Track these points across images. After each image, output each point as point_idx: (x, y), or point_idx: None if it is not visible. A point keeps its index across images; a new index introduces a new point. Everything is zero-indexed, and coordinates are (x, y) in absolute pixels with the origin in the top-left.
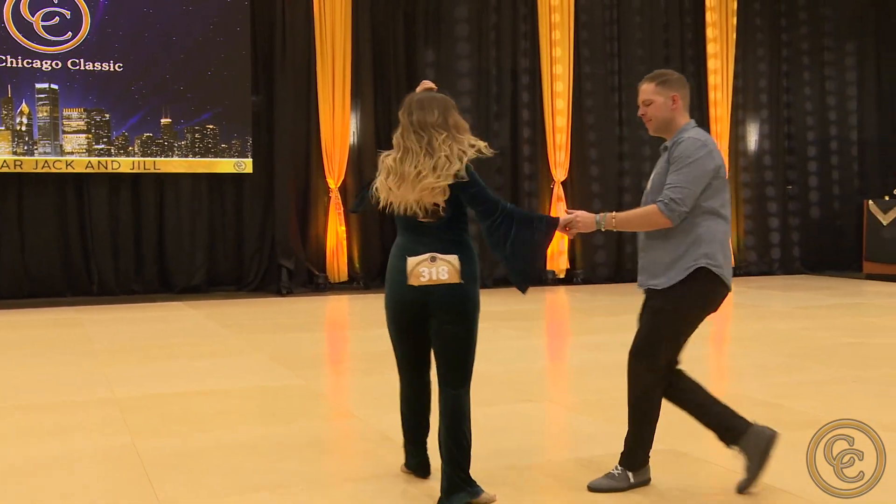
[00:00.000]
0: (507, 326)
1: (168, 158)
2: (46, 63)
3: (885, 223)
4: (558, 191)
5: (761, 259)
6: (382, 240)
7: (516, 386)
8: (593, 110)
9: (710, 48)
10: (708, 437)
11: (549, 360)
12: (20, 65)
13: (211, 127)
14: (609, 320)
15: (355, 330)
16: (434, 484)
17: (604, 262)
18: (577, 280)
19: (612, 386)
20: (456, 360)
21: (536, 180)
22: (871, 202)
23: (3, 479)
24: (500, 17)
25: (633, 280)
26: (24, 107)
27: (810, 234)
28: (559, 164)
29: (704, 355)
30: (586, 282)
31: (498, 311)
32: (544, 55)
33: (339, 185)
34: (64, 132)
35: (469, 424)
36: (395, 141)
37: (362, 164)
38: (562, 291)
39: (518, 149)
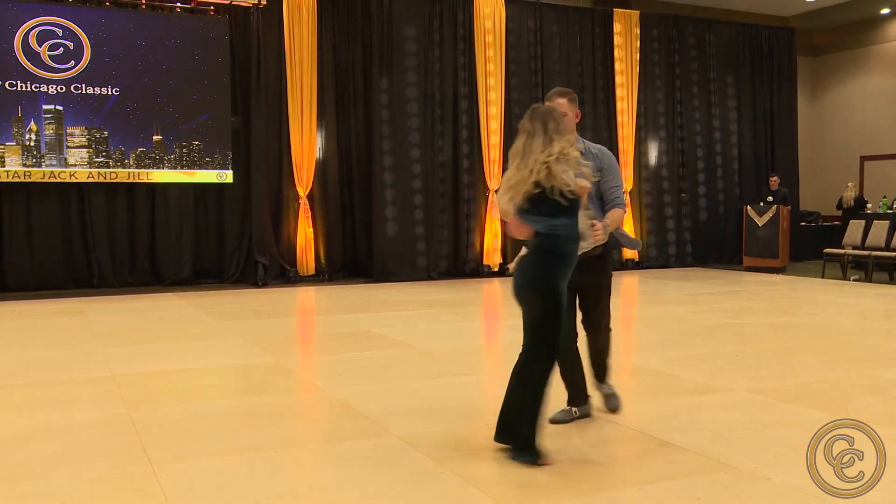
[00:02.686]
0: (448, 312)
1: (159, 170)
2: (52, 87)
3: (760, 224)
4: (492, 197)
5: (660, 254)
6: (344, 239)
7: (455, 361)
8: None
9: (618, 79)
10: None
11: (484, 339)
12: (29, 88)
13: (196, 143)
14: None
15: (321, 315)
16: (375, 444)
17: None
18: (509, 273)
19: None
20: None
21: (474, 188)
22: (748, 207)
23: (12, 444)
24: (443, 52)
25: None
26: (33, 125)
27: (700, 234)
28: (493, 174)
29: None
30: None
31: (441, 300)
32: (480, 83)
33: (307, 193)
34: (68, 147)
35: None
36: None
37: (326, 175)
38: (496, 282)
39: (458, 162)
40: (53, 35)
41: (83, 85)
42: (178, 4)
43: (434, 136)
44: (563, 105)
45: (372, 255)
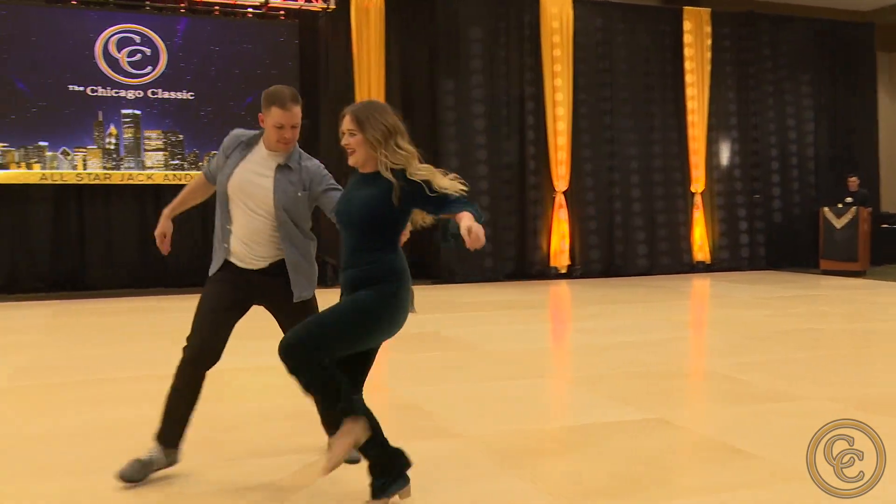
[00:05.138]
0: (515, 314)
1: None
2: (130, 92)
3: (838, 227)
4: (559, 199)
5: (732, 257)
6: (411, 240)
7: (524, 363)
8: (588, 130)
9: (688, 78)
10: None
11: (552, 342)
12: (109, 94)
13: None
14: (603, 308)
15: None
16: (442, 444)
17: (598, 259)
18: (576, 274)
19: (606, 364)
20: None
21: (540, 190)
22: (826, 209)
23: (62, 440)
24: (509, 53)
25: (623, 275)
26: (113, 129)
27: (774, 236)
28: (560, 176)
29: (681, 336)
30: (584, 276)
31: (508, 301)
32: (547, 84)
33: None
34: (145, 150)
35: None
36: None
37: None
38: (563, 284)
39: (525, 163)
40: (132, 42)
41: (160, 90)
42: (250, 10)
43: (500, 138)
44: (297, 116)
45: (438, 256)
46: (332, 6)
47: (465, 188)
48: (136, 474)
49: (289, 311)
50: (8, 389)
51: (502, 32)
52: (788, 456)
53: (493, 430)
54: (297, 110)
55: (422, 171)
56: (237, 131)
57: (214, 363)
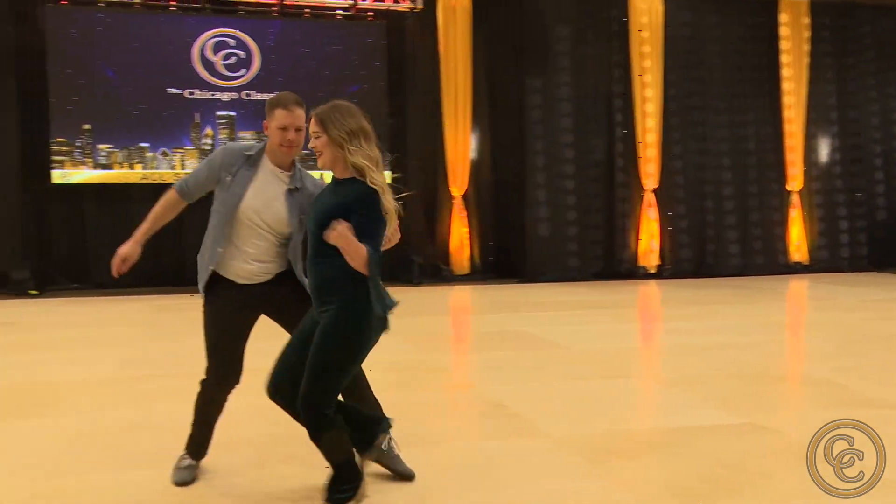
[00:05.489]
0: (602, 313)
1: (321, 172)
2: (226, 94)
3: None
4: (648, 197)
5: (831, 257)
6: (497, 239)
7: (610, 364)
8: (678, 127)
9: (785, 72)
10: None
11: (641, 342)
12: (205, 96)
13: None
14: (694, 309)
15: (475, 314)
16: (527, 443)
17: (689, 259)
18: (666, 274)
19: (697, 365)
20: None
21: (629, 188)
22: None
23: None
24: (596, 50)
25: (715, 275)
26: (209, 130)
27: (877, 236)
28: (649, 174)
29: (777, 339)
30: (674, 276)
31: (594, 301)
32: (636, 80)
33: (462, 194)
34: None
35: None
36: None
37: (480, 175)
38: (652, 284)
39: (612, 161)
40: (227, 45)
41: (253, 91)
42: (339, 12)
43: (587, 136)
44: (301, 118)
45: (524, 255)
46: (420, 6)
47: (399, 214)
48: (188, 476)
49: (292, 313)
50: (114, 380)
51: (589, 29)
52: (891, 465)
53: (578, 430)
54: (301, 113)
55: (377, 181)
56: (233, 145)
57: (238, 383)
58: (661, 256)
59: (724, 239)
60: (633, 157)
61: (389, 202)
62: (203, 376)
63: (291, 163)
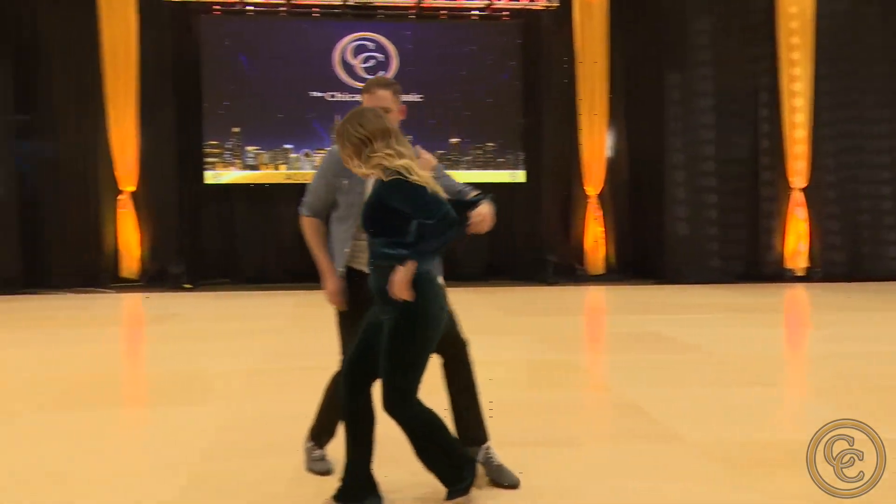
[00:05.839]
0: (745, 317)
1: (455, 171)
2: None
3: None
4: (796, 196)
5: None
6: (633, 238)
7: (753, 370)
8: (830, 123)
9: None
10: None
11: (786, 348)
12: (346, 98)
13: (490, 145)
14: (846, 314)
15: (610, 315)
16: (666, 448)
17: (841, 261)
18: (815, 277)
19: (847, 375)
20: None
21: (774, 186)
22: None
23: (288, 420)
24: (740, 43)
25: (871, 279)
26: None
27: None
28: (798, 172)
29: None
30: (824, 279)
31: (737, 304)
32: (783, 74)
33: (597, 193)
34: None
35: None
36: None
37: (616, 173)
38: (799, 287)
39: (757, 158)
40: (366, 49)
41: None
42: (475, 13)
43: (730, 132)
44: (386, 99)
45: (662, 256)
46: (556, 4)
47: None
48: (325, 466)
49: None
50: (259, 371)
51: (733, 21)
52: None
53: (718, 437)
54: (384, 94)
55: (395, 165)
56: (336, 150)
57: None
58: (811, 258)
59: (881, 241)
60: (780, 154)
61: (420, 175)
62: (337, 370)
63: None
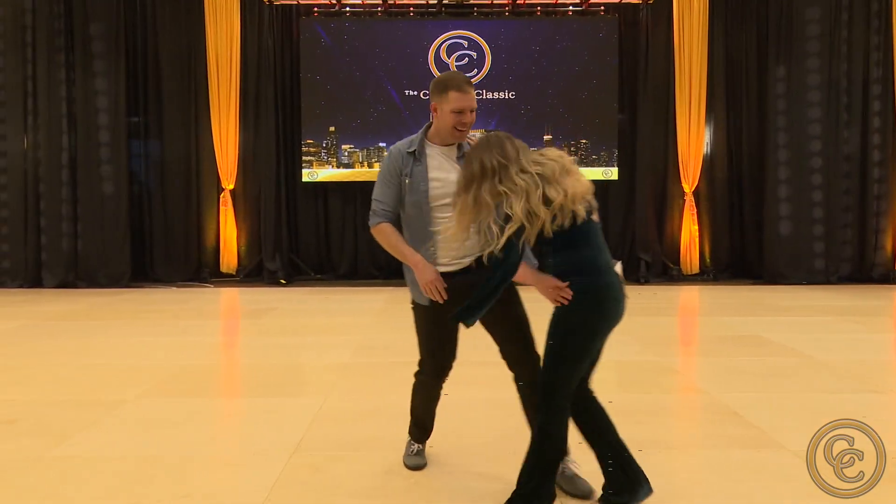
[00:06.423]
0: (851, 321)
1: None
2: None
3: None
4: None
5: None
6: (731, 238)
7: (859, 376)
8: None
9: None
10: None
11: (894, 355)
12: None
13: (584, 141)
14: None
15: (706, 316)
16: (765, 456)
17: None
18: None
19: None
20: None
21: (886, 184)
22: None
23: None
24: (852, 32)
25: None
26: None
27: None
28: None
29: None
30: None
31: (842, 307)
32: None
33: (692, 190)
34: None
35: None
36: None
37: (714, 170)
38: None
39: (868, 154)
40: (460, 47)
41: (484, 91)
42: (570, 8)
43: (839, 127)
44: (474, 99)
45: (762, 256)
46: None
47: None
48: (420, 461)
49: (497, 311)
50: (350, 365)
51: (844, 10)
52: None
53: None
54: (473, 94)
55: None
56: (394, 149)
57: (449, 373)
58: None
59: None
60: (894, 151)
61: (520, 207)
62: (417, 368)
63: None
